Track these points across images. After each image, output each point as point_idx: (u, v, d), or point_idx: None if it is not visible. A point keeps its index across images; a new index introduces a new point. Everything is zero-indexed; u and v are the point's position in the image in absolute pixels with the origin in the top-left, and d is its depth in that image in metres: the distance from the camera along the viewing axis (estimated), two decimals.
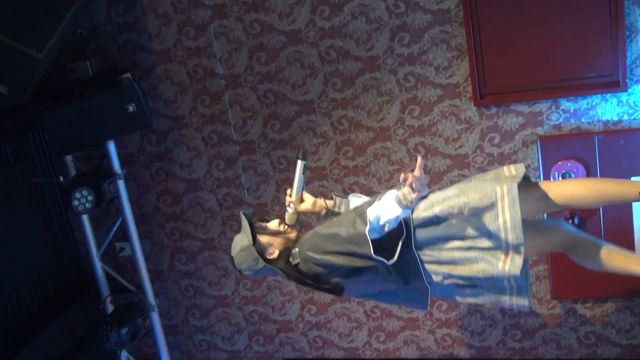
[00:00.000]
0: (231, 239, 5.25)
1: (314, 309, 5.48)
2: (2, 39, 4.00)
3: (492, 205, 3.32)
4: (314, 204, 3.70)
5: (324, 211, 3.72)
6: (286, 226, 3.65)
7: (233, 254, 3.65)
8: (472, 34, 4.51)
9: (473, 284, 3.50)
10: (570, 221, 4.59)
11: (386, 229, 3.31)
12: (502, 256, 3.33)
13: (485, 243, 3.36)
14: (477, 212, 3.35)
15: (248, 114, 5.09)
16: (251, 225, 3.62)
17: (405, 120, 4.82)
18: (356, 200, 3.75)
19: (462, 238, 3.41)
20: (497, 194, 3.32)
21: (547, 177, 4.60)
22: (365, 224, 3.24)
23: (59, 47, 4.42)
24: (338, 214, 3.72)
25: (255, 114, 5.08)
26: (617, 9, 4.25)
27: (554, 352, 5.09)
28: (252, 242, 3.55)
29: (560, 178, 4.54)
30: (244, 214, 3.68)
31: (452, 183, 4.85)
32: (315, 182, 5.12)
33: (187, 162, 5.34)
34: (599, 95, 4.46)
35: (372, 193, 4.93)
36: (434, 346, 5.33)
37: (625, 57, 4.31)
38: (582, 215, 4.62)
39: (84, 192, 4.80)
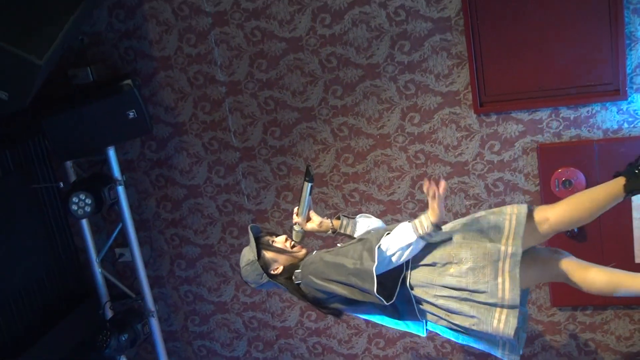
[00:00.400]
0: (231, 245, 5.32)
1: (314, 315, 5.48)
2: (3, 45, 4.00)
3: (494, 263, 3.33)
4: (320, 224, 3.70)
5: (329, 231, 3.72)
6: (293, 243, 3.66)
7: (241, 266, 3.69)
8: (473, 42, 4.52)
9: (466, 332, 3.48)
10: (569, 231, 4.61)
11: (394, 259, 3.31)
12: (497, 314, 3.32)
13: (482, 297, 3.34)
14: (477, 267, 3.35)
15: (248, 121, 5.10)
16: (258, 240, 3.65)
17: (406, 127, 4.83)
18: (364, 221, 3.73)
19: (459, 289, 3.38)
20: (500, 253, 3.33)
21: (546, 185, 4.61)
22: (374, 261, 3.24)
23: (60, 54, 4.42)
24: (344, 235, 3.72)
25: (256, 120, 5.09)
26: (617, 17, 4.26)
27: (553, 359, 5.09)
28: (256, 258, 3.58)
29: (560, 186, 4.55)
30: (251, 228, 3.70)
31: (451, 191, 4.87)
32: (315, 189, 5.13)
33: (187, 169, 5.34)
34: (599, 104, 4.47)
35: (372, 200, 4.95)
36: (433, 353, 5.33)
37: (625, 66, 4.33)
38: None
39: (82, 196, 4.81)
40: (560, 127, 4.59)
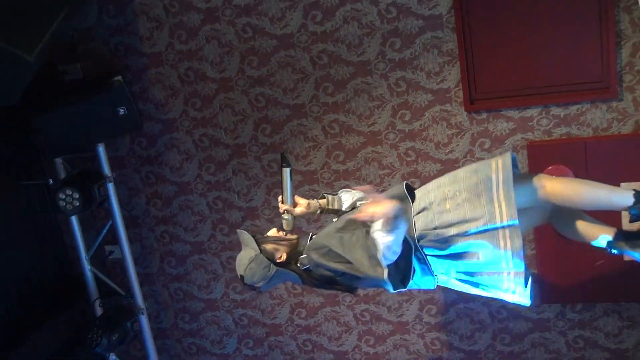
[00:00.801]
0: (221, 242, 5.31)
1: (304, 312, 5.48)
2: None
3: (487, 191, 3.33)
4: (308, 205, 3.70)
5: (318, 211, 3.74)
6: (285, 232, 3.67)
7: (241, 271, 3.58)
8: (464, 40, 4.54)
9: (474, 275, 3.50)
10: None
11: (396, 249, 3.30)
12: (501, 236, 3.31)
13: (481, 223, 3.34)
14: (472, 197, 3.37)
15: (239, 118, 5.09)
16: (252, 237, 3.63)
17: (396, 124, 4.84)
18: (346, 196, 3.76)
19: (458, 222, 3.38)
20: (491, 181, 3.33)
21: None
22: (383, 269, 3.26)
23: (50, 50, 4.40)
24: (332, 211, 3.74)
25: (246, 117, 5.08)
26: (607, 16, 4.28)
27: (542, 356, 5.11)
28: (259, 251, 3.54)
29: None
30: (241, 231, 3.67)
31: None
32: (305, 186, 5.13)
33: (177, 165, 5.33)
34: (589, 102, 4.50)
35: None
36: (423, 350, 5.34)
37: (615, 64, 4.35)
38: None
39: (69, 192, 4.77)
40: (551, 125, 4.61)
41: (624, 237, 3.59)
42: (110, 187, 5.16)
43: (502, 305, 4.96)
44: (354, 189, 3.84)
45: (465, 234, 3.37)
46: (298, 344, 5.59)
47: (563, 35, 4.41)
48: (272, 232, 3.68)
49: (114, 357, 5.49)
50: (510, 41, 4.50)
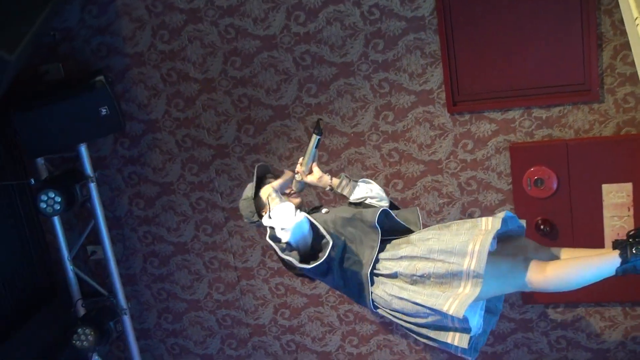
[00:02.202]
0: (205, 243, 5.34)
1: (287, 312, 5.48)
2: None
3: (456, 275, 3.28)
4: (320, 179, 3.71)
5: (328, 187, 3.73)
6: (292, 190, 3.71)
7: (241, 200, 3.74)
8: (447, 42, 4.54)
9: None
10: (542, 227, 4.64)
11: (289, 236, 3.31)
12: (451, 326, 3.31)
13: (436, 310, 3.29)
14: (438, 283, 3.32)
15: (222, 118, 5.08)
16: (261, 180, 3.71)
17: (380, 125, 4.84)
18: (364, 187, 3.71)
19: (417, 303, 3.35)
20: (466, 256, 3.27)
21: (518, 184, 4.64)
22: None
23: (31, 49, 4.38)
24: (340, 194, 3.74)
25: (229, 118, 5.07)
26: (589, 19, 4.30)
27: (525, 356, 5.14)
28: (252, 197, 3.64)
29: (532, 185, 4.58)
30: (259, 167, 3.74)
31: (425, 189, 4.89)
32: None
33: (160, 166, 5.31)
34: (571, 103, 4.51)
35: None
36: (407, 350, 5.35)
37: (596, 66, 4.37)
38: (553, 221, 4.67)
39: (50, 194, 4.74)
40: (533, 127, 4.62)
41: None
42: (93, 187, 5.13)
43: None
44: (375, 184, 3.77)
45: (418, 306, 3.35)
46: (282, 344, 5.59)
47: (545, 38, 4.42)
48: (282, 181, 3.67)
49: (96, 357, 5.47)
50: (492, 43, 4.51)
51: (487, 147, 4.73)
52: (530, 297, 4.92)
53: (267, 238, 3.36)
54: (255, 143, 5.08)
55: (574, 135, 4.57)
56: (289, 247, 3.32)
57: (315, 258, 3.32)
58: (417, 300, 3.30)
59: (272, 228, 3.33)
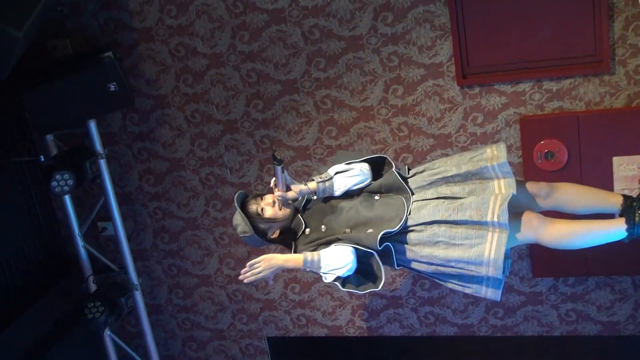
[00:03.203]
0: (214, 218, 5.32)
1: (298, 287, 5.50)
2: None
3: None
4: (300, 192, 3.81)
5: (312, 196, 3.86)
6: (280, 205, 3.81)
7: (238, 233, 3.86)
8: (456, 14, 4.50)
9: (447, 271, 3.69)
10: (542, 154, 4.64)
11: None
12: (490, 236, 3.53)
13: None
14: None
15: (231, 93, 5.06)
16: (246, 211, 3.80)
17: (389, 99, 4.82)
18: (341, 180, 3.77)
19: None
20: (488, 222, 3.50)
21: (528, 157, 4.62)
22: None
23: (38, 25, 4.35)
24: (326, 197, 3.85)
25: (238, 93, 5.05)
26: None
27: (535, 329, 5.14)
28: (252, 231, 3.79)
29: (542, 158, 4.56)
30: (237, 198, 3.85)
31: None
32: (298, 162, 5.13)
33: (169, 142, 5.31)
34: (582, 75, 4.48)
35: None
36: (417, 324, 5.36)
37: (607, 38, 4.32)
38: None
39: (65, 176, 4.75)
40: (543, 99, 4.59)
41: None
42: (103, 163, 5.13)
43: None
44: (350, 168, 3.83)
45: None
46: (292, 318, 5.62)
47: (556, 9, 4.38)
48: (269, 206, 3.80)
49: (109, 332, 5.51)
50: (502, 15, 4.47)
51: (497, 121, 4.70)
52: (540, 270, 4.92)
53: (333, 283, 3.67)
54: (264, 118, 5.07)
55: (585, 107, 4.54)
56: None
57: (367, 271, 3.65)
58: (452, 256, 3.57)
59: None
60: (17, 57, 4.31)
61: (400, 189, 3.72)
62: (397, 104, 4.82)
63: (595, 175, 4.56)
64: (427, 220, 3.60)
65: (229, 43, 4.94)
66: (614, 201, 3.72)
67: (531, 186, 3.83)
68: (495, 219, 3.46)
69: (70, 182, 4.75)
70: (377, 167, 3.89)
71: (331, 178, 3.76)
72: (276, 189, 3.79)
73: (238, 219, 3.81)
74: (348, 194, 3.78)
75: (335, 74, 4.85)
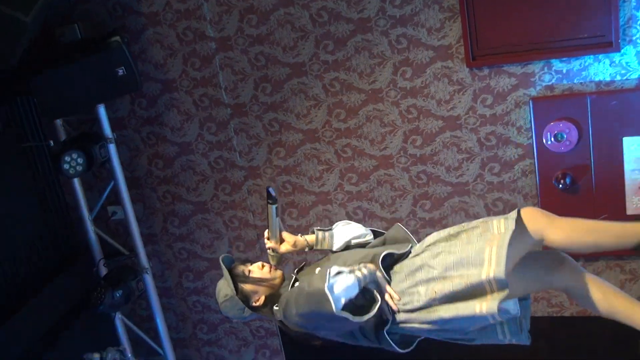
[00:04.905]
0: (224, 202, 5.33)
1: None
2: None
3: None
4: (295, 244, 3.46)
5: (306, 248, 3.50)
6: (270, 268, 3.43)
7: (218, 301, 3.44)
8: None
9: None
10: (562, 181, 4.62)
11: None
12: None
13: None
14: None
15: (239, 77, 5.06)
16: (232, 271, 3.42)
17: (398, 82, 4.80)
18: (341, 232, 3.47)
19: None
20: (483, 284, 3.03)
21: (538, 138, 4.61)
22: (324, 281, 2.99)
23: (46, 11, 4.36)
24: (323, 250, 3.51)
25: (246, 77, 5.04)
26: None
27: (545, 310, 5.15)
28: (234, 293, 3.35)
29: (552, 139, 4.55)
30: (223, 259, 3.46)
31: (444, 145, 4.86)
32: (307, 145, 5.14)
33: (178, 126, 5.31)
34: (592, 56, 4.45)
35: (364, 155, 4.94)
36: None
37: (618, 18, 4.29)
38: (573, 176, 4.64)
39: (74, 156, 4.77)
40: (553, 80, 4.57)
41: None
42: (112, 148, 5.14)
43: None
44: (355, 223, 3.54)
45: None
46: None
47: None
48: (257, 269, 3.42)
49: (120, 316, 5.55)
50: None
51: (507, 102, 4.69)
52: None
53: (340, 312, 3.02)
54: (272, 102, 5.06)
55: (595, 88, 4.52)
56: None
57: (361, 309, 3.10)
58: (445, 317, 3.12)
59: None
60: (25, 43, 4.31)
61: (407, 239, 3.41)
62: (406, 86, 4.80)
63: (605, 156, 4.55)
64: (430, 242, 3.24)
65: (237, 26, 4.92)
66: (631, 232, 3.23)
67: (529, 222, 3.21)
68: (492, 275, 2.99)
69: (80, 160, 4.77)
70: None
71: (331, 229, 3.47)
72: (267, 240, 3.47)
73: (221, 282, 3.41)
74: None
75: (344, 57, 4.84)
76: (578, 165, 4.64)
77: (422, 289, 3.16)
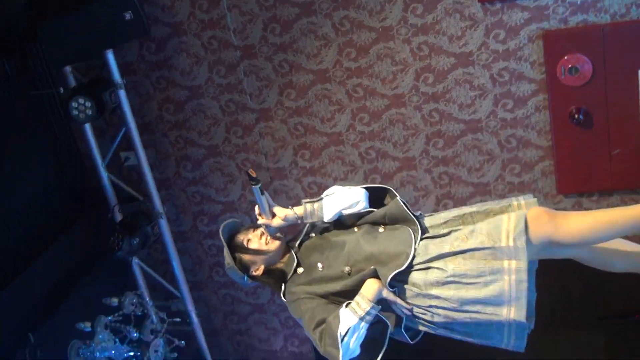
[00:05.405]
0: (236, 145, 5.34)
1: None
2: None
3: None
4: (285, 218, 3.34)
5: (298, 221, 3.38)
6: (267, 239, 3.39)
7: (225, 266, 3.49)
8: None
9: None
10: (576, 116, 4.58)
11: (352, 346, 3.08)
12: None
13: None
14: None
15: (247, 18, 4.99)
16: (233, 241, 3.42)
17: (409, 19, 4.73)
18: (330, 205, 3.32)
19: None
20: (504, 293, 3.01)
21: (552, 73, 4.55)
22: (338, 349, 3.05)
23: None
24: (314, 221, 3.41)
25: (255, 17, 4.98)
26: None
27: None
28: (233, 263, 3.39)
29: (566, 73, 4.49)
30: (223, 228, 3.43)
31: (456, 82, 4.82)
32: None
33: (187, 69, 5.27)
34: None
35: (375, 94, 4.90)
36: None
37: None
38: (587, 110, 4.60)
39: (81, 100, 4.74)
40: (567, 13, 4.49)
41: None
42: (122, 93, 5.10)
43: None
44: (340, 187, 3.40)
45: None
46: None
47: None
48: (256, 238, 3.40)
49: (136, 260, 5.60)
50: None
51: (520, 37, 4.62)
52: (564, 187, 4.91)
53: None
54: (282, 42, 5.01)
55: (610, 19, 4.44)
56: None
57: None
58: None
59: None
60: None
61: (407, 219, 3.25)
62: (417, 23, 4.73)
63: (620, 89, 4.51)
64: (434, 255, 3.13)
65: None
66: None
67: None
68: (511, 243, 2.98)
69: (88, 104, 4.74)
70: (380, 198, 3.44)
71: (320, 199, 3.34)
72: (259, 217, 3.38)
73: (226, 249, 3.41)
74: (347, 225, 3.38)
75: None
76: (592, 99, 4.60)
77: (436, 311, 3.15)
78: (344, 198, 3.32)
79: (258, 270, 3.40)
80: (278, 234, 3.40)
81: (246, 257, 3.39)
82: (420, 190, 5.28)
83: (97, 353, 4.77)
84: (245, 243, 3.39)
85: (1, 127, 4.87)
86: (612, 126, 4.60)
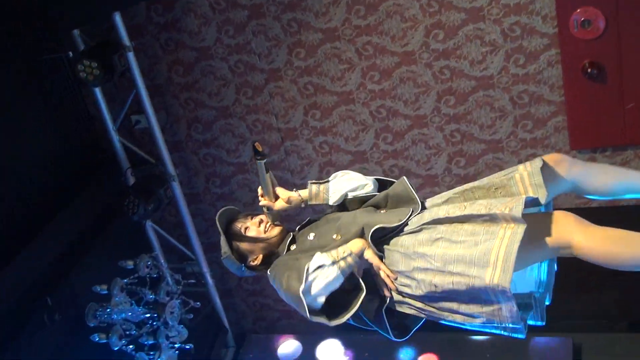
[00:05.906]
0: (246, 106, 5.32)
1: (332, 170, 5.46)
2: None
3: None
4: (289, 200, 3.17)
5: (302, 205, 3.20)
6: (266, 226, 3.19)
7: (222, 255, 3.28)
8: None
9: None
10: (589, 70, 4.52)
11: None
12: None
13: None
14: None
15: None
16: (230, 229, 3.21)
17: None
18: (336, 187, 3.14)
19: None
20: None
21: (564, 27, 4.48)
22: (300, 282, 2.80)
23: None
24: (319, 205, 3.21)
25: None
26: None
27: (573, 202, 5.13)
28: (229, 252, 3.18)
29: (579, 26, 4.42)
30: (220, 215, 3.24)
31: (467, 38, 4.76)
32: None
33: (196, 30, 5.23)
34: None
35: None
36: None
37: None
38: (600, 64, 4.54)
39: (87, 62, 4.73)
40: None
41: None
42: (131, 56, 5.08)
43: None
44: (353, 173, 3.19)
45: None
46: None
47: None
48: (254, 225, 3.19)
49: (150, 223, 5.63)
50: None
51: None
52: (578, 142, 4.87)
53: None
54: (290, 1, 4.95)
55: None
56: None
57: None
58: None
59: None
60: None
61: (410, 198, 3.04)
62: None
63: (633, 42, 4.44)
64: (427, 221, 2.88)
65: None
66: None
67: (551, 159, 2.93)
68: (507, 211, 2.68)
69: (95, 65, 4.73)
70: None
71: (327, 181, 3.15)
72: (261, 198, 3.21)
73: (222, 238, 3.21)
74: (347, 208, 3.16)
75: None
76: (605, 53, 4.54)
77: (420, 276, 2.86)
78: (351, 179, 3.15)
79: (256, 260, 3.18)
80: (277, 222, 3.21)
81: (244, 246, 3.18)
82: (432, 148, 5.26)
83: (114, 315, 4.82)
84: (243, 231, 3.18)
85: (13, 93, 4.88)
86: (625, 80, 4.55)
